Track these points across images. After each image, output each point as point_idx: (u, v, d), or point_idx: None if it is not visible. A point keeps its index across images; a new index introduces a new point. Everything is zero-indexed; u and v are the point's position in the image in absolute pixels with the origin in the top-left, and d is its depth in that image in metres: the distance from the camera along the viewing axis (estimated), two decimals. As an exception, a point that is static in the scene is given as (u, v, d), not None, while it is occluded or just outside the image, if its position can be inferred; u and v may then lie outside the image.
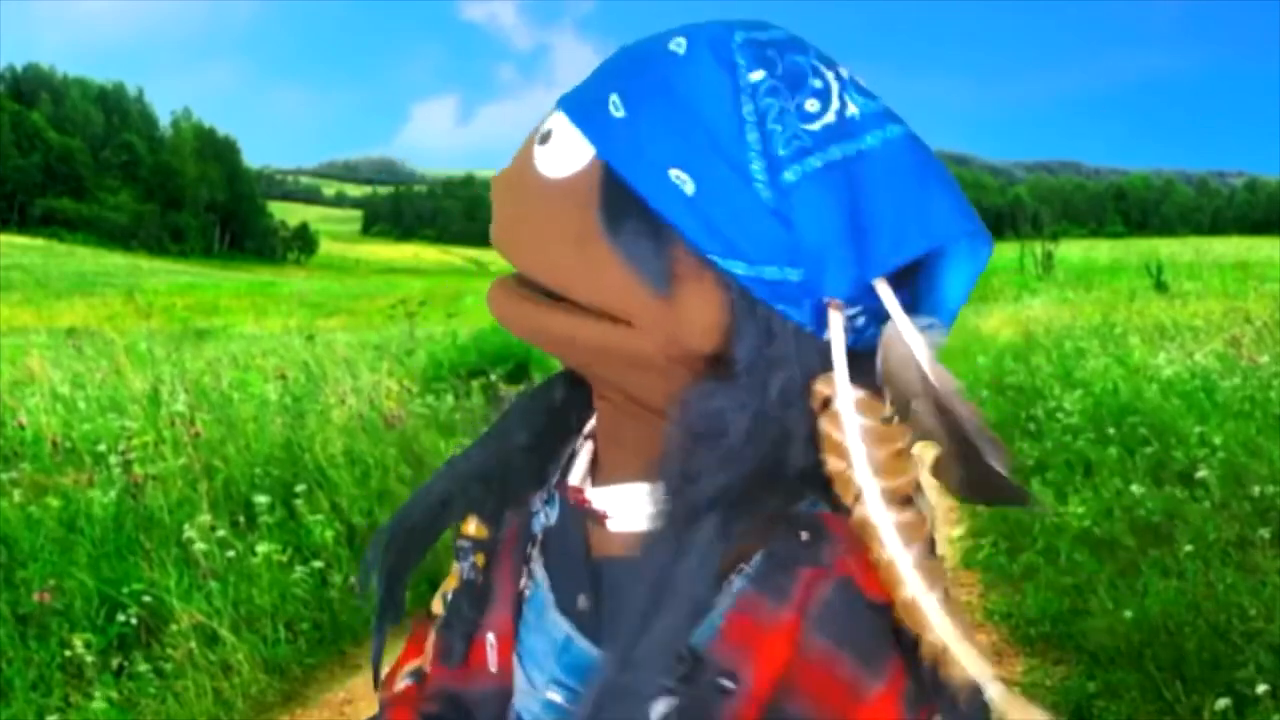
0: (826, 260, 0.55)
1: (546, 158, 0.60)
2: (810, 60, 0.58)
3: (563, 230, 0.59)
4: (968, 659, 0.50)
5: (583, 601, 0.64)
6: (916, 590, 0.52)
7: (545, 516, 0.69)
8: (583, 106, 0.60)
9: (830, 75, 0.58)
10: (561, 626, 0.64)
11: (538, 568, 0.68)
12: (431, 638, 0.73)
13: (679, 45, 0.59)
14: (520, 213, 0.61)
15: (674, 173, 0.56)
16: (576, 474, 0.67)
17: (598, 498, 0.64)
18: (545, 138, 0.61)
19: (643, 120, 0.57)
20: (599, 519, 0.64)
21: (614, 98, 0.59)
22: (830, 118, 0.56)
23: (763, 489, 0.56)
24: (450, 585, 0.72)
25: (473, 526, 0.71)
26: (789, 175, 0.55)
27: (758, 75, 0.56)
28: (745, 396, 0.56)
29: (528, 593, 0.68)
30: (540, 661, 0.65)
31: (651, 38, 0.61)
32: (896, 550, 0.54)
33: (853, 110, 0.57)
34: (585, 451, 0.68)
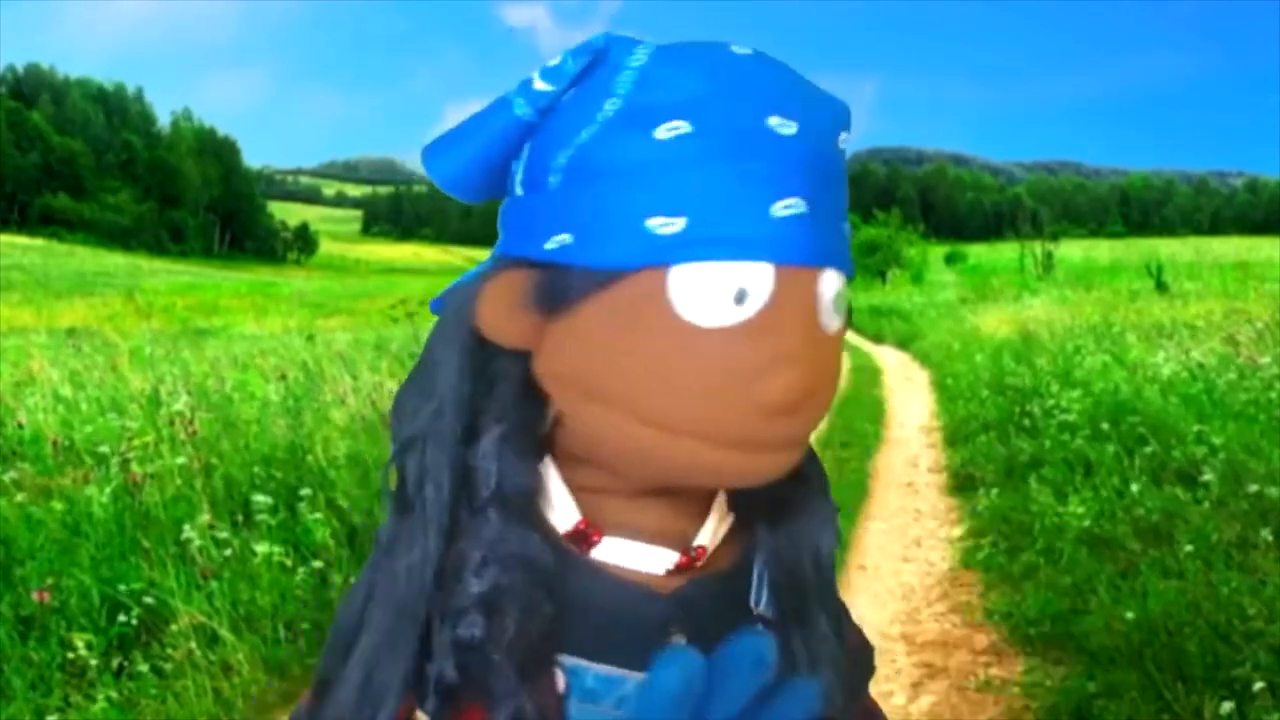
0: None
1: (836, 323, 0.60)
2: None
3: (838, 364, 0.63)
4: None
5: (679, 643, 0.63)
6: None
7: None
8: (846, 254, 0.61)
9: None
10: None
11: (568, 658, 0.62)
12: None
13: (845, 142, 0.61)
14: (827, 379, 0.61)
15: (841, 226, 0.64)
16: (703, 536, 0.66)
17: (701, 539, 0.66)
18: (838, 308, 0.60)
19: (847, 227, 0.63)
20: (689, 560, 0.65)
21: (844, 225, 0.61)
22: None
23: None
24: None
25: None
26: None
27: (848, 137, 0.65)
28: None
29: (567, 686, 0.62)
30: None
31: (830, 142, 0.60)
32: None
33: None
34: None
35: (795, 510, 0.70)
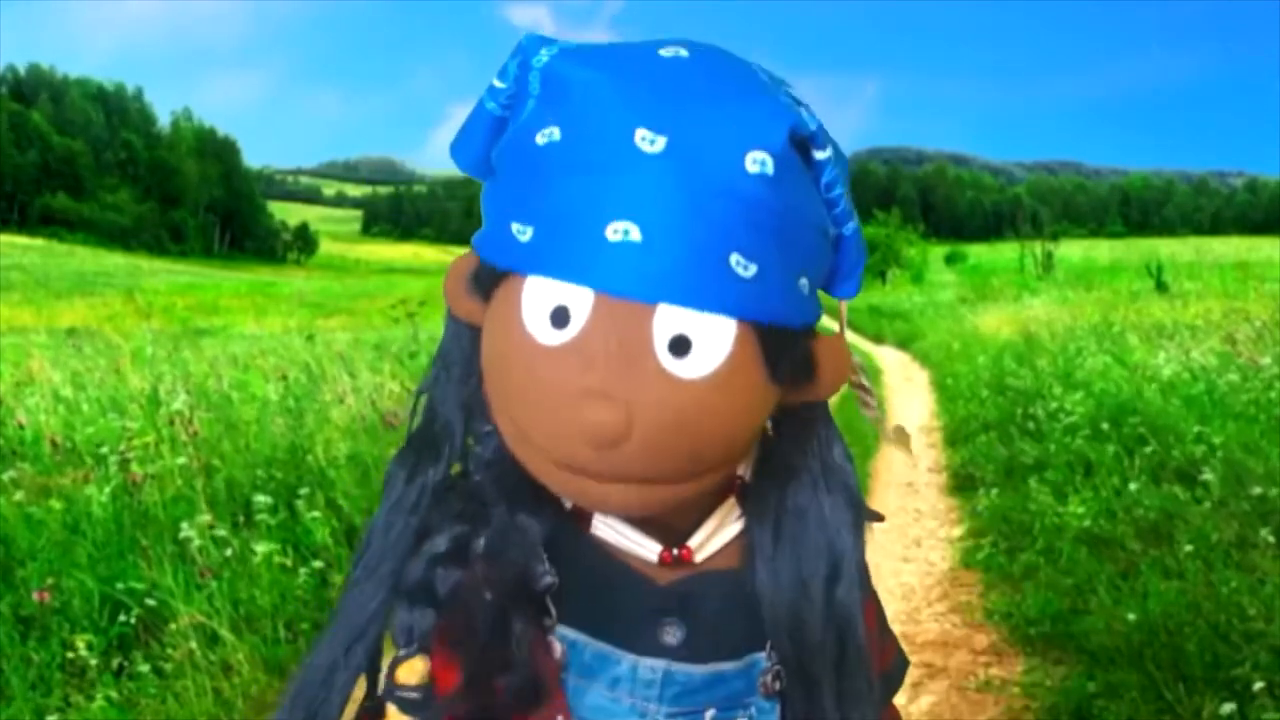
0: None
1: (691, 365, 0.55)
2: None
3: (735, 413, 0.57)
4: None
5: (673, 634, 0.64)
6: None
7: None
8: (707, 291, 0.54)
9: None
10: (649, 665, 0.64)
11: (569, 630, 0.64)
12: None
13: (762, 164, 0.55)
14: (663, 424, 0.55)
15: (802, 281, 0.59)
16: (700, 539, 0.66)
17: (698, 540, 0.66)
18: (681, 348, 0.54)
19: (772, 262, 0.56)
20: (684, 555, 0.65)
21: (735, 258, 0.54)
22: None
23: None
24: None
25: (417, 673, 0.64)
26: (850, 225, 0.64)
27: (824, 154, 0.60)
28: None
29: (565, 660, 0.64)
30: (616, 712, 0.64)
31: (717, 163, 0.54)
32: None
33: None
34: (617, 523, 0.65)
35: (802, 522, 0.67)
